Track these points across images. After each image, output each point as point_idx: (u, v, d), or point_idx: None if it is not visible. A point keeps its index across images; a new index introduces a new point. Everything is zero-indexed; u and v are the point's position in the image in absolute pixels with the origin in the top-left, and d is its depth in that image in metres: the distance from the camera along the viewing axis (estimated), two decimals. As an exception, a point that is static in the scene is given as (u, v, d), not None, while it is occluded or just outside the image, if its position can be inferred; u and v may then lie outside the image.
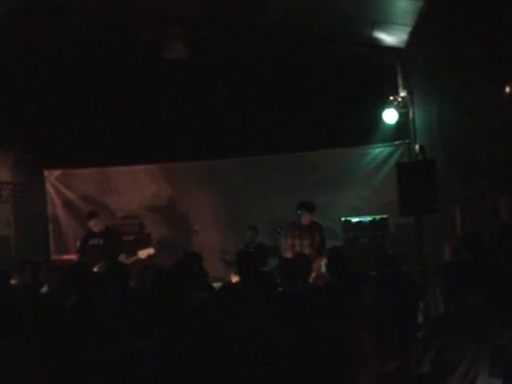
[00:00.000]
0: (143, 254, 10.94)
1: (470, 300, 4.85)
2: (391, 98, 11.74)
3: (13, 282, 8.64)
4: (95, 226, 11.11)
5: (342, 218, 11.79)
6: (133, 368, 4.63)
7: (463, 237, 7.58)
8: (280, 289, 7.54)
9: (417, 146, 11.02)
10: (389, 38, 11.20)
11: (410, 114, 11.65)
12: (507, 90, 6.48)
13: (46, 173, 13.77)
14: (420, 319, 7.81)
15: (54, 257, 13.10)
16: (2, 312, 4.72)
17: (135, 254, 10.95)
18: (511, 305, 5.03)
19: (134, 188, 13.57)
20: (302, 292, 5.90)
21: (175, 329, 5.04)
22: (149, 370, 4.60)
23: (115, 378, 4.64)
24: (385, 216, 11.73)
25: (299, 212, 10.31)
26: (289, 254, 10.17)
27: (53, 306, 5.99)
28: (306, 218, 10.27)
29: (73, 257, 11.70)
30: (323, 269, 9.00)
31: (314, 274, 8.43)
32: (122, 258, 10.67)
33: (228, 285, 7.36)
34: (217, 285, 8.69)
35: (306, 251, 9.96)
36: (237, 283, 7.74)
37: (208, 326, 4.80)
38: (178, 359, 4.64)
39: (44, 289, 7.89)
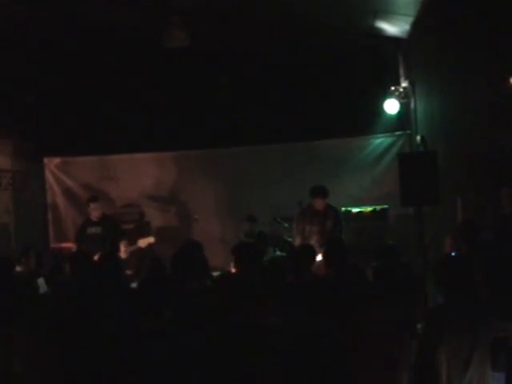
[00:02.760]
0: (143, 242, 10.89)
1: (465, 293, 4.83)
2: (392, 88, 11.71)
3: (18, 269, 8.66)
4: (95, 210, 11.01)
5: (343, 208, 11.77)
6: (135, 352, 4.63)
7: (459, 225, 7.57)
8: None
9: (418, 137, 11.00)
10: (391, 28, 11.17)
11: (412, 105, 11.62)
12: (511, 80, 6.45)
13: (45, 161, 13.77)
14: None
15: (53, 245, 13.10)
16: (4, 300, 4.71)
17: (135, 242, 10.91)
18: (510, 297, 5.02)
19: (134, 176, 13.56)
20: (303, 283, 5.89)
21: (175, 317, 5.03)
22: (151, 355, 4.60)
23: (116, 365, 4.64)
24: (385, 206, 11.72)
25: (311, 197, 10.25)
26: (298, 240, 10.16)
27: (55, 293, 5.99)
28: (318, 204, 10.21)
29: (72, 245, 11.68)
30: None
31: (317, 263, 8.40)
32: (122, 245, 10.62)
33: (226, 275, 7.33)
34: (216, 274, 8.69)
35: (314, 238, 9.93)
36: (235, 273, 7.71)
37: (208, 316, 4.80)
38: (178, 348, 4.63)
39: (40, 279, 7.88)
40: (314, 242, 9.81)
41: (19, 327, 4.67)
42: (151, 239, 11.06)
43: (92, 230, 10.93)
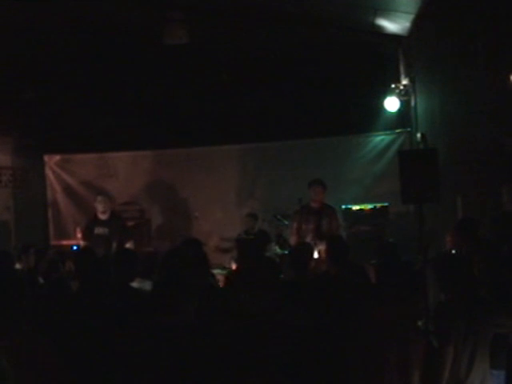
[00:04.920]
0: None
1: (466, 291, 4.82)
2: (393, 85, 11.70)
3: (17, 266, 8.66)
4: (100, 202, 10.99)
5: (343, 206, 11.76)
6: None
7: (459, 223, 7.57)
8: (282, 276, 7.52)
9: (418, 134, 10.99)
10: (391, 25, 11.16)
11: (412, 102, 11.61)
12: (511, 78, 6.45)
13: (45, 158, 13.78)
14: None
15: (53, 242, 13.10)
16: (4, 296, 4.69)
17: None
18: (510, 294, 5.02)
19: (134, 174, 13.56)
20: (303, 280, 5.89)
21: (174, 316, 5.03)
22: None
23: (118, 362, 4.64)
24: (385, 204, 11.71)
25: (309, 188, 10.20)
26: (293, 239, 10.14)
27: (56, 291, 5.98)
28: (316, 194, 10.14)
29: (72, 242, 11.69)
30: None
31: (314, 260, 8.39)
32: (129, 246, 10.63)
33: (232, 272, 7.34)
34: (216, 271, 8.69)
35: (309, 236, 9.92)
36: (237, 270, 7.71)
37: (211, 312, 4.80)
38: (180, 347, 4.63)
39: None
40: (309, 239, 9.81)
41: (20, 325, 4.66)
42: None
43: (99, 230, 10.86)
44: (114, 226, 10.85)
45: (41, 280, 7.77)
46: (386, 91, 11.78)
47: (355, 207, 11.80)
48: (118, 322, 4.97)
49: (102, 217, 10.98)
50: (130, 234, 11.01)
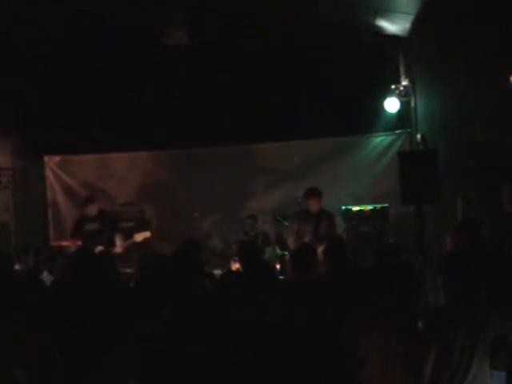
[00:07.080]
0: (139, 236, 10.92)
1: (470, 291, 4.81)
2: (393, 86, 11.70)
3: (17, 267, 8.67)
4: (92, 209, 11.09)
5: (343, 207, 11.76)
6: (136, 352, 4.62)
7: (459, 224, 7.57)
8: (281, 277, 7.54)
9: (418, 135, 11.00)
10: (391, 26, 11.16)
11: (412, 103, 11.62)
12: (511, 79, 6.44)
13: (45, 159, 13.77)
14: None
15: (53, 243, 13.08)
16: (4, 296, 4.70)
17: (131, 237, 10.95)
18: (510, 295, 5.01)
19: (134, 174, 13.56)
20: (304, 282, 5.88)
21: (176, 316, 5.03)
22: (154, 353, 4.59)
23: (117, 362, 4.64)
24: (386, 205, 11.70)
25: (306, 199, 10.21)
26: (291, 240, 10.15)
27: (56, 291, 5.98)
28: (313, 204, 10.15)
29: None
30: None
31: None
32: (118, 239, 10.66)
33: (229, 273, 7.34)
34: (217, 272, 8.71)
35: (307, 237, 9.93)
36: (238, 272, 7.72)
37: (209, 314, 4.79)
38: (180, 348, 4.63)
39: (44, 274, 7.90)
40: (306, 240, 9.82)
41: (20, 325, 4.66)
42: (147, 233, 11.07)
43: (89, 226, 10.97)
44: (104, 221, 11.01)
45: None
46: (385, 92, 11.79)
47: (355, 208, 11.80)
48: (117, 322, 4.97)
49: (91, 214, 11.08)
50: (118, 229, 11.10)
